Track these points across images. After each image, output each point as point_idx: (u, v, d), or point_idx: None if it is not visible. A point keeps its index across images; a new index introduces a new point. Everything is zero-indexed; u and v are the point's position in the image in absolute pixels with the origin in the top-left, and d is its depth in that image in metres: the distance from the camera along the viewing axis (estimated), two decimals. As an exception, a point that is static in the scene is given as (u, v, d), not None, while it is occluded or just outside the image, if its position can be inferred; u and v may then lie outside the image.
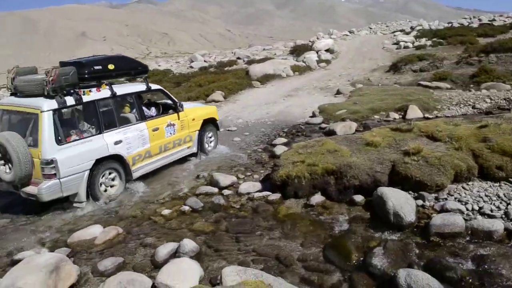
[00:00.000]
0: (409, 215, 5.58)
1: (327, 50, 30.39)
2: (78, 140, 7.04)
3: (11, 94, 7.53)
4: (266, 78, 21.82)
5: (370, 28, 58.57)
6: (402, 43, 30.39)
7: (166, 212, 6.80)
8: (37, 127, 6.69)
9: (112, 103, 7.67)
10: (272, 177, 7.08)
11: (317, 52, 29.24)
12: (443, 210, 5.78)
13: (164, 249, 5.46)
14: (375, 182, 6.48)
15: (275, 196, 6.88)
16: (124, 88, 8.14)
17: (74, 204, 7.13)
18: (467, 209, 5.73)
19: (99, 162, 7.25)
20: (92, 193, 7.18)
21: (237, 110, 15.14)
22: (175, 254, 5.39)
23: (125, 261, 5.44)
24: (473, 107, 12.00)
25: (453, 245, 5.07)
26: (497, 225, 5.17)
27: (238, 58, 34.46)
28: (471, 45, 22.83)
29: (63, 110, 7.03)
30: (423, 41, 30.29)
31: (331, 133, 10.28)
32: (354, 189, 6.58)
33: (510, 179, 6.30)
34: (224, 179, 7.76)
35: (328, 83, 19.58)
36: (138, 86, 8.51)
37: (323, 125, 11.63)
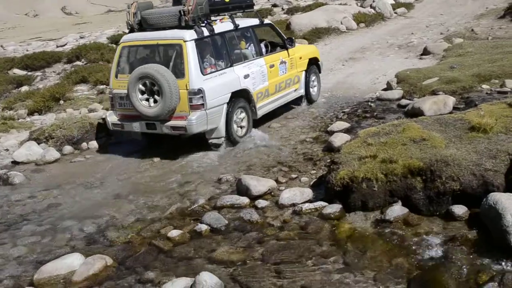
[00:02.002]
0: (537, 234, 5.48)
1: (408, -12, 30.01)
2: (214, 72, 9.76)
3: (130, 31, 10.27)
4: (316, 34, 21.82)
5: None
6: (524, -26, 29.62)
7: (174, 233, 6.90)
8: (182, 58, 9.35)
9: (235, 36, 10.69)
10: (329, 180, 7.08)
11: (392, -8, 28.92)
12: None
13: (173, 288, 5.56)
14: (485, 185, 6.38)
15: (334, 209, 6.89)
16: (243, 21, 11.09)
17: (212, 141, 9.82)
18: None
19: (233, 96, 9.97)
20: (228, 130, 9.87)
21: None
22: (189, 295, 5.48)
23: (116, 305, 5.58)
24: None
25: None
26: None
27: (274, 5, 34.43)
28: None
29: (201, 41, 9.64)
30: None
31: (416, 113, 10.20)
32: (452, 197, 6.50)
33: None
34: (258, 184, 7.81)
35: (410, 38, 19.41)
36: (253, 20, 11.66)
37: (404, 102, 11.60)
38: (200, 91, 9.22)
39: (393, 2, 27.10)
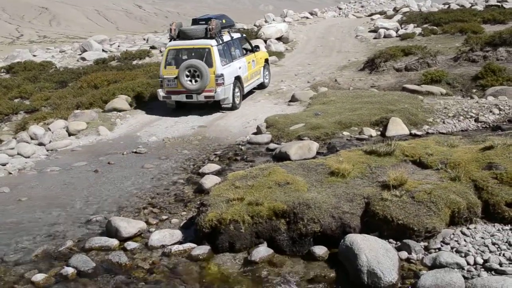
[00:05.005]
0: (389, 273, 5.71)
1: (279, 39, 30.83)
2: (226, 64, 15.56)
3: (171, 39, 16.12)
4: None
5: (340, 9, 60.00)
6: (382, 31, 31.44)
7: (39, 277, 6.60)
8: (211, 56, 15.07)
9: (232, 43, 16.78)
10: (198, 222, 7.07)
11: (265, 42, 29.55)
12: (436, 265, 5.99)
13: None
14: (343, 227, 6.62)
15: (202, 250, 6.87)
16: (233, 35, 17.29)
17: (224, 105, 15.62)
18: (468, 263, 5.96)
19: (234, 79, 15.82)
20: (233, 100, 15.72)
21: (150, 123, 15.08)
22: None
23: None
24: (476, 120, 12.55)
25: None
26: (509, 285, 5.32)
27: (153, 47, 34.24)
28: (474, 35, 23.76)
29: (219, 46, 15.53)
30: (410, 28, 31.51)
31: (282, 157, 10.43)
32: (313, 238, 6.69)
33: (524, 219, 6.61)
34: (128, 225, 7.65)
35: (279, 85, 19.83)
36: (237, 34, 18.08)
37: (272, 146, 11.80)
38: (222, 75, 15.03)
39: (266, 50, 27.72)
